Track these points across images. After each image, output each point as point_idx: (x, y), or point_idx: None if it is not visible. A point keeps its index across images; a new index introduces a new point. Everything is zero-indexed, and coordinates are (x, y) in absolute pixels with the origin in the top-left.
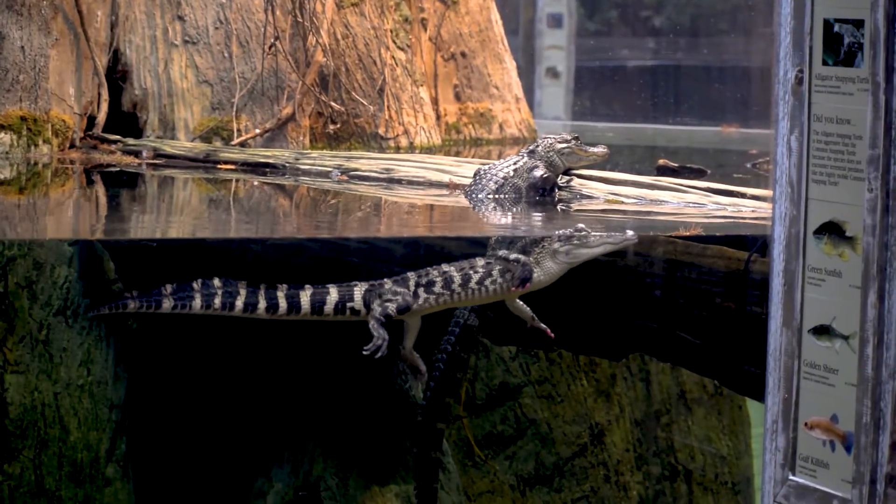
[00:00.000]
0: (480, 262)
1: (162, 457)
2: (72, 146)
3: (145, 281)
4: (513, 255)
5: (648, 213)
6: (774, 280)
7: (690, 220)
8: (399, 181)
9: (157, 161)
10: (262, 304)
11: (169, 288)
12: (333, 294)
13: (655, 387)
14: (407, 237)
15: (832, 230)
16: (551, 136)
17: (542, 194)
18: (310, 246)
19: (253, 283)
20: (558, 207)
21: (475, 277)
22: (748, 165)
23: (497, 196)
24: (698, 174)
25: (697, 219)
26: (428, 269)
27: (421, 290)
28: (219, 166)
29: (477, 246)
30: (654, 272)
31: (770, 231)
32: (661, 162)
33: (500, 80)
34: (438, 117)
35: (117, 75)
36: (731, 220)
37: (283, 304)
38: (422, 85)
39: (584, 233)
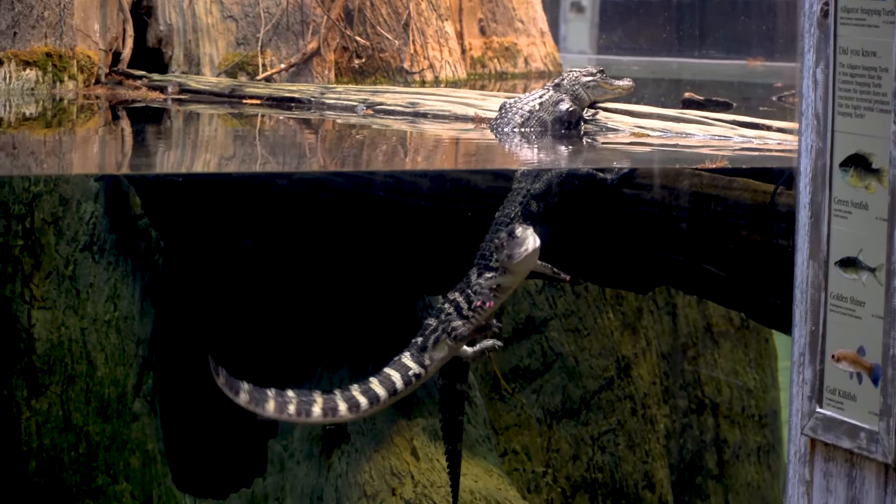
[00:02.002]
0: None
1: (189, 392)
2: (97, 82)
3: (171, 216)
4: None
5: (674, 145)
6: (801, 212)
7: (716, 152)
8: (424, 115)
9: (183, 96)
10: (343, 405)
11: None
12: (395, 376)
13: (682, 320)
14: (433, 171)
15: (858, 162)
16: (577, 69)
17: (568, 128)
18: (335, 180)
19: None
20: (584, 141)
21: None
22: (774, 98)
23: (522, 130)
24: (724, 107)
25: (723, 151)
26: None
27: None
28: (244, 101)
29: (502, 179)
30: (679, 205)
31: (796, 163)
32: (687, 95)
33: (524, 14)
34: (463, 51)
35: (142, 11)
36: (757, 152)
37: (363, 399)
38: (447, 19)
39: None
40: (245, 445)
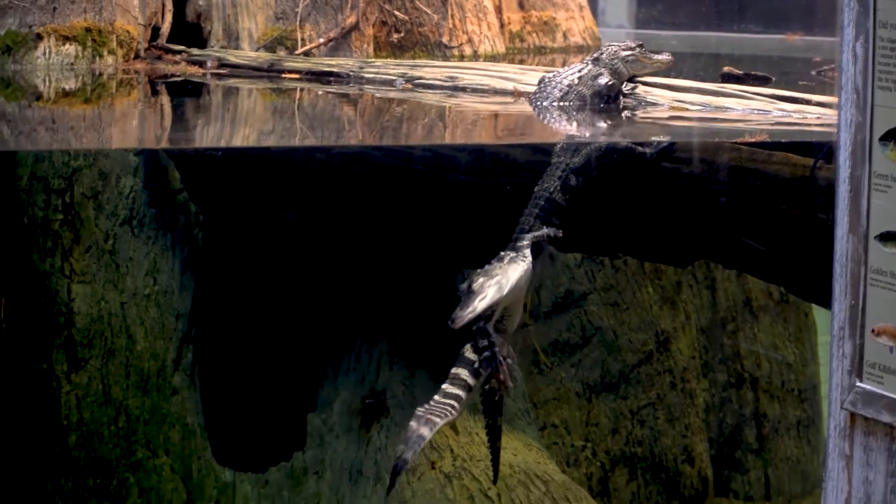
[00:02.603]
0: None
1: (228, 366)
2: (136, 57)
3: (210, 190)
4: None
5: (713, 119)
6: (840, 186)
7: (755, 126)
8: (463, 89)
9: (222, 71)
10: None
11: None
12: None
13: (721, 294)
14: (472, 144)
15: None
16: (615, 43)
17: (607, 102)
18: (374, 154)
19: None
20: (623, 115)
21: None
22: (813, 73)
23: (561, 104)
24: (763, 81)
25: (762, 126)
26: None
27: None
28: (283, 76)
29: (541, 153)
30: (719, 179)
31: (836, 138)
32: (726, 69)
33: None
34: (502, 26)
35: None
36: (797, 126)
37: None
38: None
39: None
40: (284, 419)
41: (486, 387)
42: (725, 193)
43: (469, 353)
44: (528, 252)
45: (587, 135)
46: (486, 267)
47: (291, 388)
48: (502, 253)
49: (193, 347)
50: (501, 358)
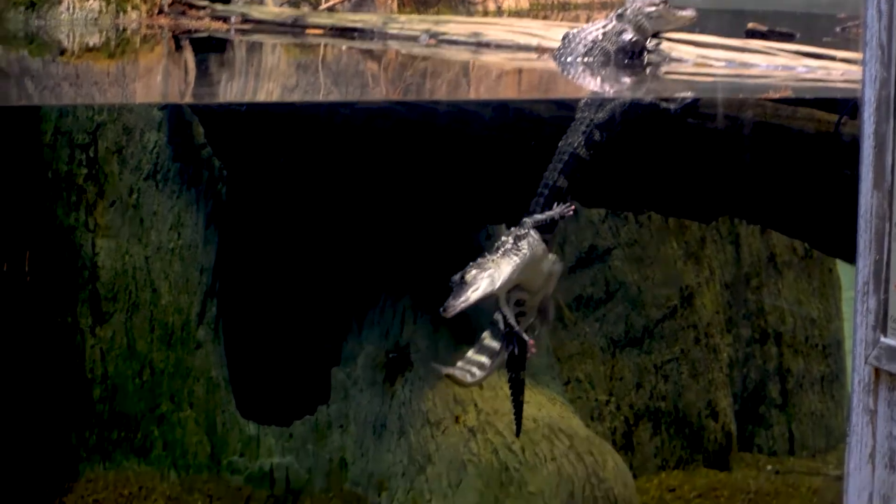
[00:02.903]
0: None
1: (252, 320)
2: (160, 12)
3: (234, 145)
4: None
5: (738, 75)
6: (865, 142)
7: (780, 82)
8: (487, 45)
9: (246, 26)
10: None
11: None
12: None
13: (745, 249)
14: (496, 100)
15: None
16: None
17: (631, 58)
18: (398, 109)
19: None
20: (647, 71)
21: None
22: (837, 29)
23: (586, 59)
24: (787, 38)
25: (787, 82)
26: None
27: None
28: (306, 31)
29: (565, 109)
30: (743, 134)
31: (860, 94)
32: (751, 26)
33: None
34: None
35: None
36: (821, 82)
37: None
38: None
39: None
40: (309, 373)
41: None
42: (749, 149)
43: (488, 339)
44: (524, 245)
45: (611, 91)
46: (480, 259)
47: (315, 343)
48: (498, 243)
49: (217, 301)
50: (523, 335)
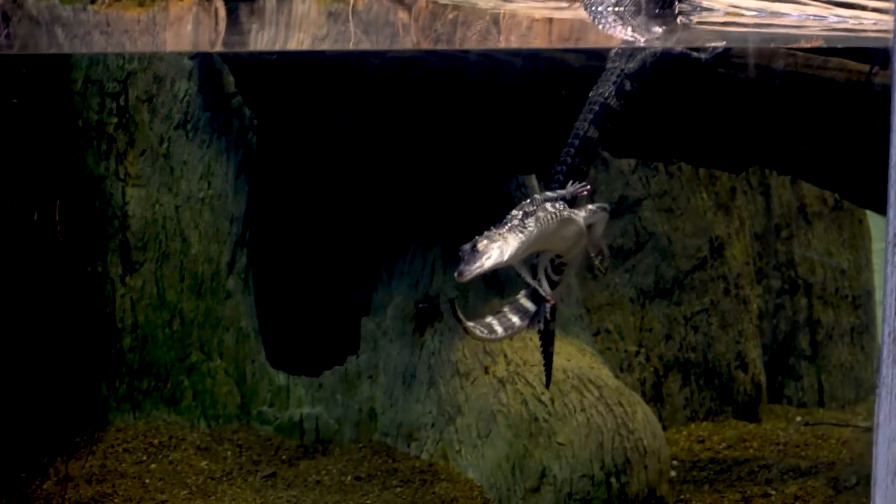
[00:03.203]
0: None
1: (282, 270)
2: None
3: (264, 95)
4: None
5: (769, 25)
6: None
7: (811, 32)
8: None
9: None
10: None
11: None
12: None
13: (775, 200)
14: (526, 49)
15: None
16: None
17: (662, 7)
18: (428, 59)
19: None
20: (678, 20)
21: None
22: None
23: (617, 9)
24: None
25: (818, 31)
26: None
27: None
28: None
29: (596, 59)
30: (774, 84)
31: (891, 43)
32: None
33: None
34: None
35: None
36: (853, 32)
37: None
38: None
39: None
40: (338, 323)
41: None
42: (780, 99)
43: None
44: (531, 222)
45: (642, 40)
46: (487, 232)
47: (345, 293)
48: (508, 217)
49: (247, 251)
50: (541, 292)
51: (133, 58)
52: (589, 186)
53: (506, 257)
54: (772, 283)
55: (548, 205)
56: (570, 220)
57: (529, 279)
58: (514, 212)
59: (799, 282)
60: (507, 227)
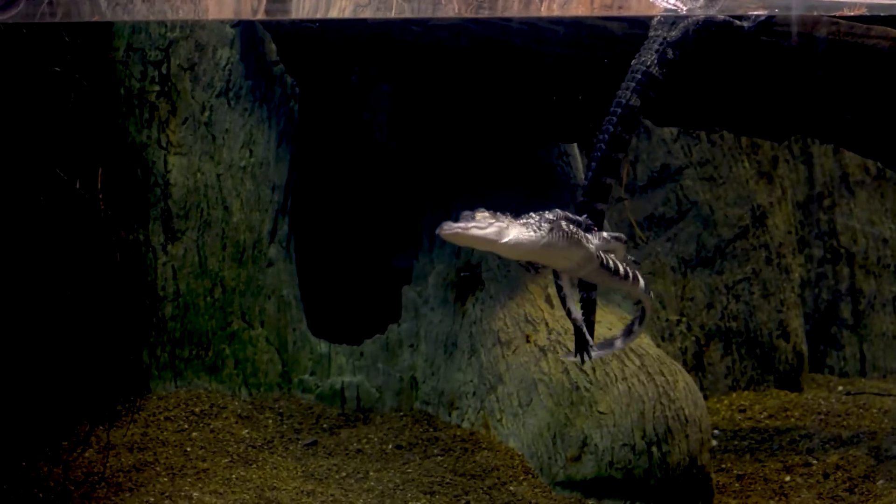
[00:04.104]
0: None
1: (324, 238)
2: None
3: (307, 63)
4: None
5: None
6: None
7: (854, 0)
8: None
9: None
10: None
11: None
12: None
13: (818, 169)
14: (569, 17)
15: None
16: None
17: None
18: (471, 27)
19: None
20: None
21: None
22: None
23: None
24: None
25: None
26: None
27: None
28: None
29: (638, 27)
30: (817, 52)
31: None
32: None
33: None
34: None
35: None
36: None
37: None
38: None
39: None
40: (380, 292)
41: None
42: (823, 67)
43: None
44: (546, 228)
45: (684, 8)
46: (500, 213)
47: (387, 261)
48: (526, 215)
49: (289, 219)
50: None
51: (175, 26)
52: (594, 227)
53: (501, 240)
54: (814, 251)
55: (564, 223)
56: (579, 244)
57: (570, 301)
58: (533, 214)
59: (841, 251)
60: (520, 220)
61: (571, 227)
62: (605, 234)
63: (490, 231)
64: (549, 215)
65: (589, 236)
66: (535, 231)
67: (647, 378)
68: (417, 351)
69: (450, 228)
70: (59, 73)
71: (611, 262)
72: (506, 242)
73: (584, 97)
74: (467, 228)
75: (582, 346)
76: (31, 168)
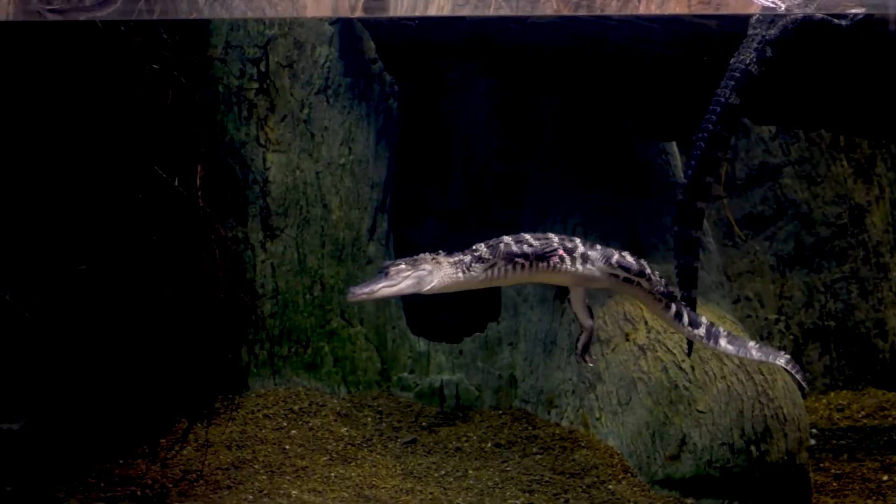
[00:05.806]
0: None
1: (422, 236)
2: None
3: (403, 60)
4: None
5: None
6: None
7: None
8: None
9: None
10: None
11: None
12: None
13: None
14: (667, 15)
15: None
16: None
17: None
18: (568, 24)
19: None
20: None
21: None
22: None
23: None
24: None
25: None
26: None
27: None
28: None
29: (736, 24)
30: None
31: None
32: None
33: None
34: None
35: None
36: None
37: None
38: None
39: None
40: (479, 290)
41: (682, 260)
42: None
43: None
44: (474, 267)
45: (783, 6)
46: (422, 255)
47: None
48: (471, 248)
49: (388, 217)
50: None
51: (273, 23)
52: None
53: (423, 289)
54: None
55: (509, 247)
56: (524, 271)
57: (577, 307)
58: (480, 245)
59: None
60: (453, 258)
61: (523, 248)
62: (600, 246)
63: (405, 285)
64: (484, 249)
65: (588, 254)
66: (463, 271)
67: (746, 377)
68: (516, 349)
69: (353, 295)
70: (157, 70)
71: (625, 258)
72: (430, 289)
73: (684, 95)
74: (374, 291)
75: (586, 348)
76: (131, 166)
